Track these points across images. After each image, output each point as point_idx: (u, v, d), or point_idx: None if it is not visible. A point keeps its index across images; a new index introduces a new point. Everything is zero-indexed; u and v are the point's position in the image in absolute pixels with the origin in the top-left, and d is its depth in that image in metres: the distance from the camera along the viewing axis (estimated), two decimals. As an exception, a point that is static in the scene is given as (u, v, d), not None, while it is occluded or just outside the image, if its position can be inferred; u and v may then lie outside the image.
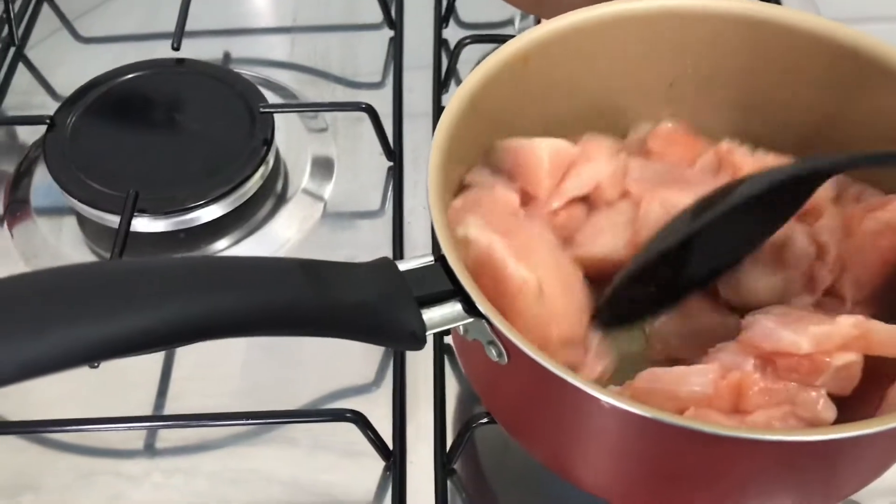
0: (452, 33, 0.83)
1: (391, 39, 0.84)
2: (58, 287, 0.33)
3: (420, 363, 0.61)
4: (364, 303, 0.39)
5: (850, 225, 0.51)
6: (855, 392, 0.46)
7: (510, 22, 0.86)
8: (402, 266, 0.42)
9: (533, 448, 0.49)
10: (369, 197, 0.72)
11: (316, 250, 0.69)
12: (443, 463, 0.55)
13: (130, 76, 0.74)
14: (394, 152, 0.73)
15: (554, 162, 0.53)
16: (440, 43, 0.82)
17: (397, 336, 0.41)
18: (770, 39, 0.55)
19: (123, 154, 0.70)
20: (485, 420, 0.52)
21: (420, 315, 0.41)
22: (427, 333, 0.41)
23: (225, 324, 0.35)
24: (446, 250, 0.43)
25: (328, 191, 0.73)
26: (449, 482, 0.55)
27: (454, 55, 0.78)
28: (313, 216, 0.71)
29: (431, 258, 0.43)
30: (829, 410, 0.42)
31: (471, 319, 0.42)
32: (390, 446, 0.56)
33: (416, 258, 0.43)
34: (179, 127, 0.72)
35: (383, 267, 0.42)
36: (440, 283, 0.42)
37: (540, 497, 0.55)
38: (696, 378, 0.43)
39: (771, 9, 0.54)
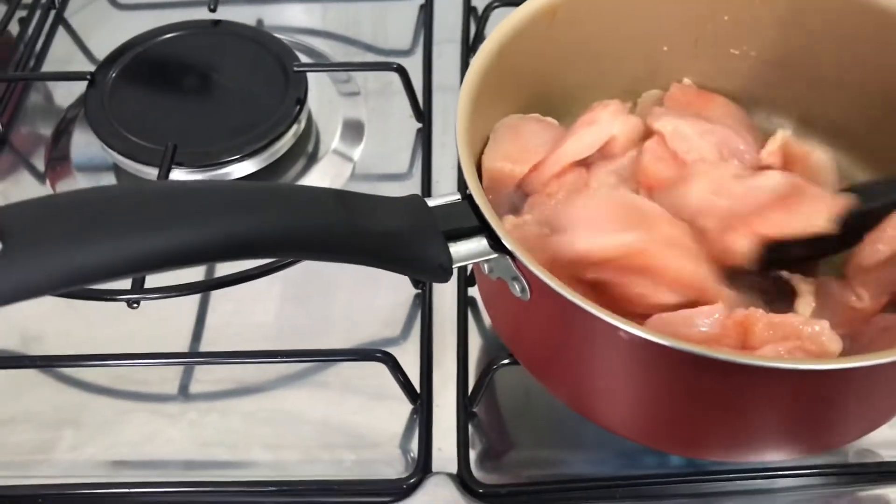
0: (482, 1, 0.85)
1: (421, 7, 0.86)
2: (109, 201, 0.35)
3: (446, 314, 0.63)
4: (394, 232, 0.41)
5: None
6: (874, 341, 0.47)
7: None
8: (431, 203, 0.44)
9: (555, 387, 0.50)
10: (398, 159, 0.74)
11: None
12: (465, 405, 0.57)
13: (168, 36, 0.77)
14: (423, 114, 0.75)
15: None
16: (469, 9, 0.83)
17: (425, 266, 0.42)
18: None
19: (161, 111, 0.72)
20: (505, 361, 0.54)
21: (447, 248, 0.43)
22: (454, 266, 0.43)
23: (263, 243, 0.37)
24: (473, 189, 0.44)
25: (358, 152, 0.75)
26: (470, 425, 0.57)
27: (482, 19, 0.79)
28: (343, 175, 0.73)
29: (459, 196, 0.45)
30: (834, 342, 0.44)
31: (495, 255, 0.44)
32: (418, 390, 0.58)
33: (443, 196, 0.45)
34: (215, 85, 0.74)
35: (413, 202, 0.44)
36: (467, 219, 0.44)
37: (556, 439, 0.57)
38: (703, 318, 0.45)
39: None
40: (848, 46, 0.56)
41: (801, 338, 0.43)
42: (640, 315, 0.46)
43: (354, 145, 0.75)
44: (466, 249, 0.43)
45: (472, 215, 0.44)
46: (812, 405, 0.43)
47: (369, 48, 0.84)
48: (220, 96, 0.73)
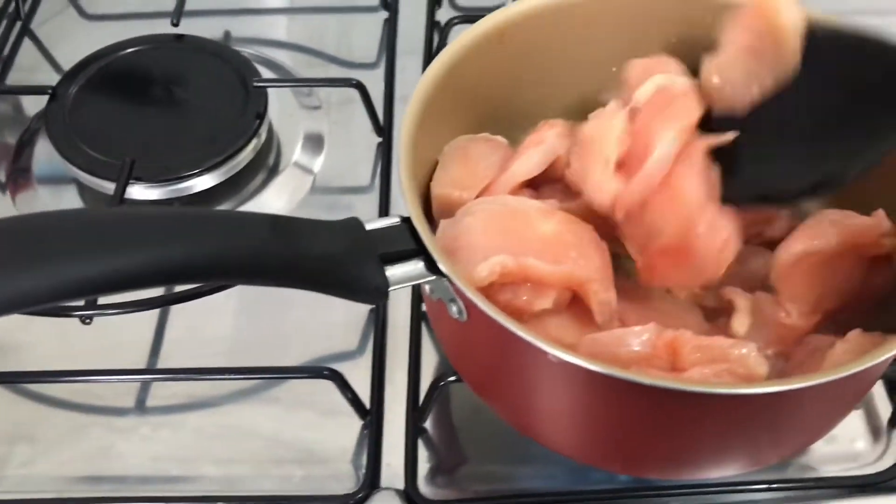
0: (445, 15, 0.86)
1: (386, 21, 0.86)
2: (41, 229, 0.36)
3: (400, 329, 0.63)
4: (328, 256, 0.42)
5: None
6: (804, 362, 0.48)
7: (503, 5, 0.87)
8: (369, 225, 0.45)
9: (494, 404, 0.51)
10: (359, 172, 0.75)
11: (305, 221, 0.72)
12: (414, 421, 0.58)
13: (130, 50, 0.77)
14: (383, 128, 0.76)
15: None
16: (432, 24, 0.84)
17: (360, 289, 0.43)
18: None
19: (122, 125, 0.73)
20: (453, 378, 0.55)
21: (383, 271, 0.43)
22: (390, 289, 0.44)
23: (195, 269, 0.38)
24: (411, 211, 0.45)
25: (318, 165, 0.75)
26: (420, 440, 0.58)
27: (443, 35, 0.80)
28: (303, 189, 0.74)
29: (398, 219, 0.46)
30: (760, 366, 0.45)
31: (433, 277, 0.45)
32: (368, 406, 0.59)
33: (383, 219, 0.46)
34: (176, 100, 0.75)
35: (350, 225, 0.44)
36: (405, 241, 0.45)
37: (507, 454, 0.57)
38: (634, 339, 0.46)
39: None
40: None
41: (728, 360, 0.44)
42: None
43: (315, 158, 0.76)
44: (403, 272, 0.44)
45: (410, 238, 0.45)
46: (740, 426, 0.44)
47: (333, 60, 0.84)
48: (181, 110, 0.74)
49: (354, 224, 0.44)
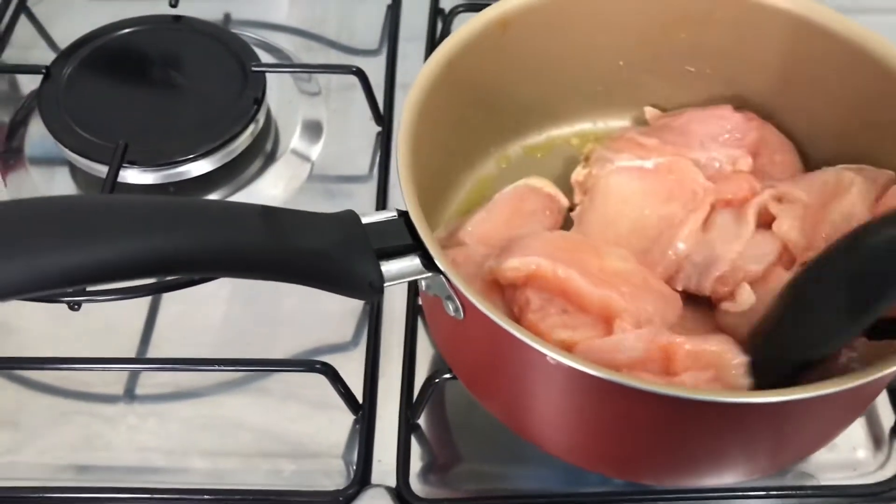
0: (449, 2, 0.84)
1: (388, 7, 0.85)
2: (27, 215, 0.35)
3: (395, 323, 0.62)
4: (321, 250, 0.40)
5: None
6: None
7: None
8: (366, 219, 0.44)
9: (489, 403, 0.50)
10: (357, 161, 0.73)
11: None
12: (407, 418, 0.57)
13: (127, 31, 0.76)
14: (383, 117, 0.74)
15: None
16: (436, 11, 0.82)
17: (354, 285, 0.42)
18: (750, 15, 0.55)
19: (117, 107, 0.71)
20: (447, 375, 0.53)
21: (378, 266, 0.42)
22: (385, 285, 0.43)
23: (181, 262, 0.37)
24: (409, 206, 0.44)
25: (316, 152, 0.74)
26: (413, 437, 0.57)
27: (446, 23, 0.79)
28: (300, 176, 0.72)
29: (395, 213, 0.44)
30: (743, 377, 0.44)
31: (429, 274, 0.43)
32: (360, 400, 0.58)
33: (380, 212, 0.44)
34: (173, 82, 0.73)
35: (345, 218, 0.43)
36: (401, 236, 0.43)
37: (502, 453, 0.56)
38: (629, 343, 0.45)
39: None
40: (803, 68, 0.56)
41: (720, 367, 0.43)
42: None
43: (313, 146, 0.74)
44: (398, 268, 0.43)
45: (407, 233, 0.43)
46: (738, 435, 0.43)
47: (334, 45, 0.83)
48: (178, 94, 0.72)
49: (350, 217, 0.43)
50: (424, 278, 0.44)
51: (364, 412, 0.57)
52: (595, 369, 0.39)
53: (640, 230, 0.53)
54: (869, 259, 0.40)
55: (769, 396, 0.38)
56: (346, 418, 0.58)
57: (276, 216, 0.40)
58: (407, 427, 0.57)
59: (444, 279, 0.43)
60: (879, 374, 0.40)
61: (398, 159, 0.46)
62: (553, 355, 0.39)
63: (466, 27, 0.53)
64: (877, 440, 0.56)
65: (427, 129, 0.51)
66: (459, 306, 0.44)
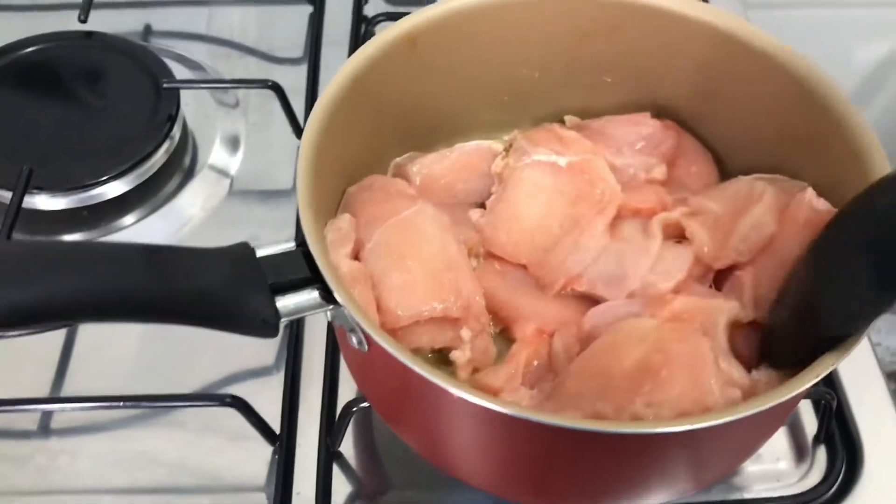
0: (373, 10, 0.82)
1: (311, 15, 0.83)
2: None
3: (316, 350, 0.60)
4: (208, 289, 0.39)
5: None
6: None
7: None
8: (261, 252, 0.42)
9: (402, 433, 0.49)
10: (278, 175, 0.72)
11: (220, 228, 0.68)
12: (327, 446, 0.55)
13: (34, 48, 0.73)
14: (303, 130, 0.72)
15: None
16: (359, 19, 0.81)
17: (246, 323, 0.40)
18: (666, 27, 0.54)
19: (24, 128, 0.68)
20: (366, 404, 0.52)
21: (273, 302, 0.40)
22: (281, 321, 0.41)
23: (55, 311, 0.35)
24: (308, 236, 0.42)
25: (235, 167, 0.72)
26: (336, 465, 0.55)
27: (367, 32, 0.77)
28: (219, 194, 0.70)
29: (293, 244, 0.43)
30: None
31: (329, 307, 0.42)
32: (278, 430, 0.56)
33: (277, 244, 0.43)
34: (83, 102, 0.71)
35: (238, 252, 0.41)
36: (299, 269, 0.42)
37: (433, 481, 0.54)
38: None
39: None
40: (722, 80, 0.55)
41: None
42: None
43: (232, 160, 0.72)
44: (296, 302, 0.41)
45: (305, 265, 0.42)
46: (653, 460, 0.42)
47: (254, 53, 0.81)
48: (89, 113, 0.70)
49: (243, 251, 0.41)
50: (325, 311, 0.42)
51: (282, 442, 0.56)
52: (501, 405, 0.37)
53: (545, 228, 0.52)
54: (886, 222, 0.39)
55: (677, 426, 0.37)
56: (265, 450, 0.56)
57: (160, 255, 0.38)
58: (327, 456, 0.55)
59: (345, 312, 0.42)
60: (791, 394, 0.40)
61: (298, 187, 0.44)
62: (456, 392, 0.37)
63: (373, 43, 0.52)
64: (800, 449, 0.56)
65: (336, 146, 0.50)
66: (363, 339, 0.42)
